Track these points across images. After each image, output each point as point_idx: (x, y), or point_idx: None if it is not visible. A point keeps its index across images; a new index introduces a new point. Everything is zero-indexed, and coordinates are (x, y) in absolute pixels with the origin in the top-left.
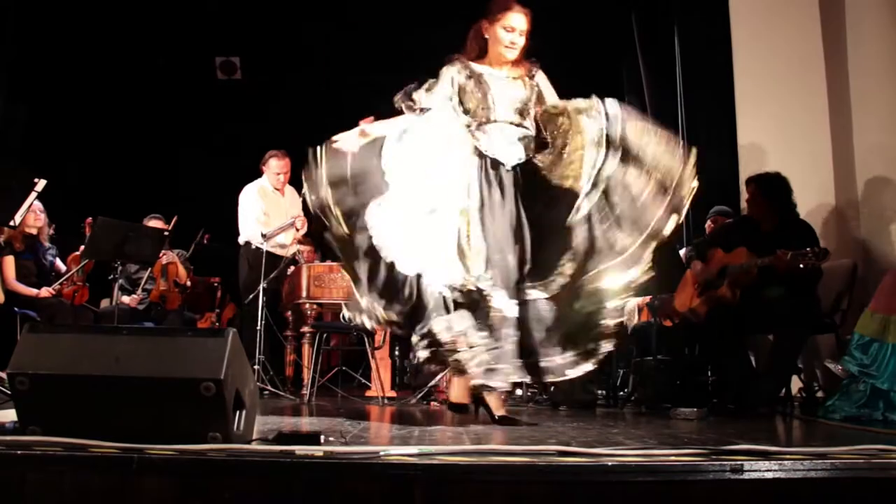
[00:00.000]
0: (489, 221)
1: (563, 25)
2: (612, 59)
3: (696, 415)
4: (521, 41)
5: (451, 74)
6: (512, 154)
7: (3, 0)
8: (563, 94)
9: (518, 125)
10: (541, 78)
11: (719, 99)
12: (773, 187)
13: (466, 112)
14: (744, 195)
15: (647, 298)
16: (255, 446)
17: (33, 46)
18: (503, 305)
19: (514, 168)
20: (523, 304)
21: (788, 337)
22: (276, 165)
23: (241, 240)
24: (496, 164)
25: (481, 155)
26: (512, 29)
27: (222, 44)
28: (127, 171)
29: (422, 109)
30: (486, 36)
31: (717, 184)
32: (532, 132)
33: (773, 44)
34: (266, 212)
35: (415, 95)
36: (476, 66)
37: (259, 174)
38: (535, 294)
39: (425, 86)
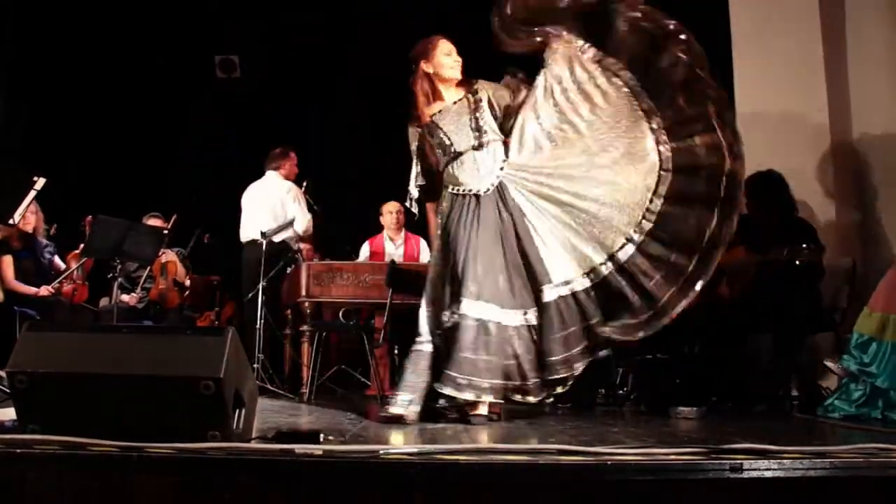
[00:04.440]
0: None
1: None
2: None
3: (696, 414)
4: (459, 59)
5: (411, 137)
6: (483, 182)
7: (3, 0)
8: None
9: (479, 146)
10: (484, 86)
11: None
12: (771, 186)
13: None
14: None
15: None
16: (254, 445)
17: (33, 46)
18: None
19: (492, 189)
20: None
21: (788, 335)
22: (295, 157)
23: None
24: (467, 195)
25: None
26: (450, 52)
27: (221, 42)
28: (126, 169)
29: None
30: (430, 71)
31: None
32: (497, 138)
33: (772, 43)
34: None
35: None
36: (427, 114)
37: (258, 175)
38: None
39: (413, 171)
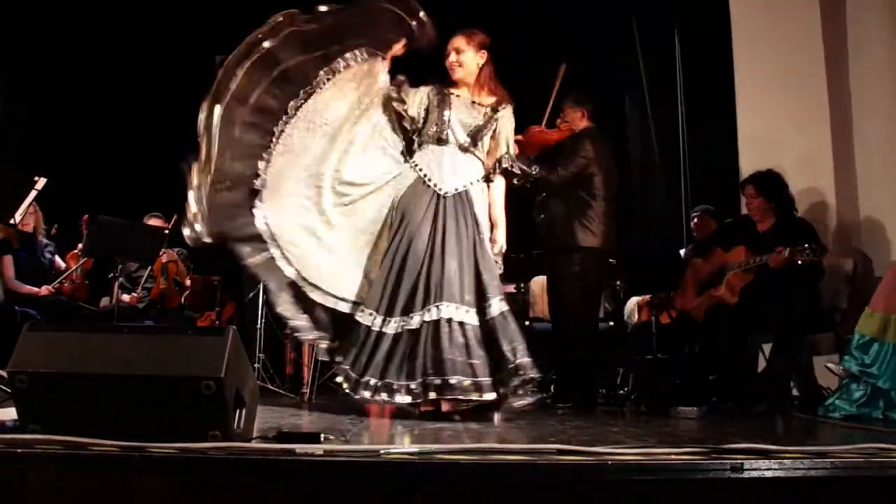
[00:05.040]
0: (401, 238)
1: (563, 27)
2: (612, 59)
3: (696, 413)
4: (462, 59)
5: (424, 90)
6: (450, 181)
7: (3, 0)
8: (565, 92)
9: (467, 149)
10: (505, 115)
11: (719, 98)
12: (770, 185)
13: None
14: (742, 194)
15: (647, 297)
16: (255, 445)
17: (33, 46)
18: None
19: (451, 194)
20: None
21: (788, 336)
22: None
23: None
24: (430, 189)
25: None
26: (450, 51)
27: (222, 42)
28: (127, 169)
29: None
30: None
31: (717, 183)
32: (481, 158)
33: (773, 43)
34: None
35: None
36: (448, 88)
37: None
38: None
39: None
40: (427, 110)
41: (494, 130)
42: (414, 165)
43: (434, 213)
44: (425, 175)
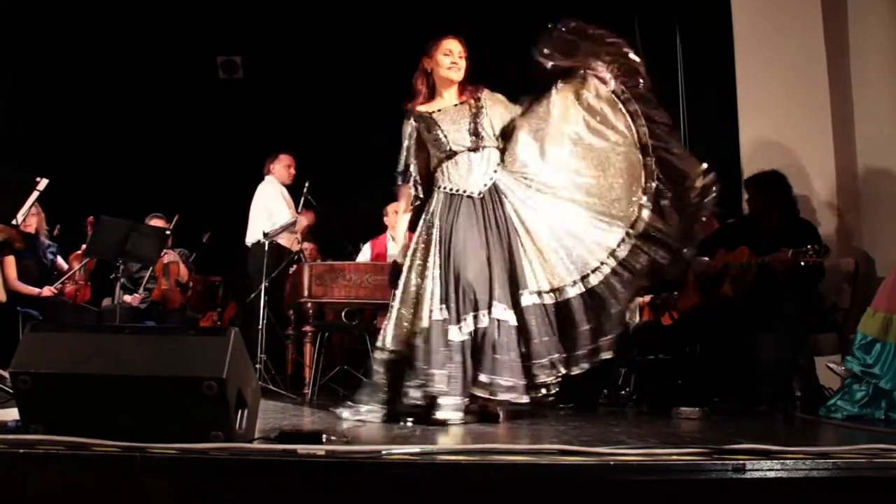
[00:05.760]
0: (452, 253)
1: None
2: None
3: (698, 414)
4: (462, 62)
5: (408, 131)
6: (476, 182)
7: (5, 2)
8: None
9: (475, 149)
10: (487, 96)
11: (721, 99)
12: (772, 186)
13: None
14: (745, 194)
15: (649, 297)
16: (257, 445)
17: (36, 47)
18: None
19: (484, 192)
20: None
21: (790, 336)
22: (286, 158)
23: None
24: (460, 196)
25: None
26: (450, 52)
27: (224, 43)
28: (129, 170)
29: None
30: (429, 69)
31: (718, 183)
32: (492, 144)
33: (774, 43)
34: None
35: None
36: (425, 109)
37: (261, 177)
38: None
39: (401, 158)
40: (420, 145)
41: (489, 115)
42: (438, 189)
43: (468, 216)
44: (449, 189)
